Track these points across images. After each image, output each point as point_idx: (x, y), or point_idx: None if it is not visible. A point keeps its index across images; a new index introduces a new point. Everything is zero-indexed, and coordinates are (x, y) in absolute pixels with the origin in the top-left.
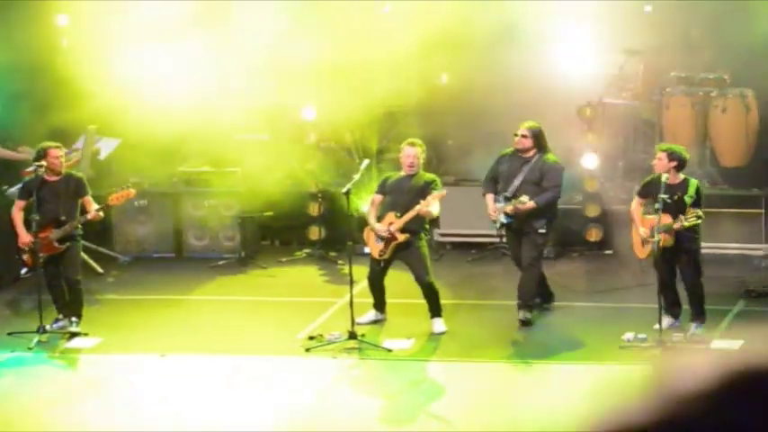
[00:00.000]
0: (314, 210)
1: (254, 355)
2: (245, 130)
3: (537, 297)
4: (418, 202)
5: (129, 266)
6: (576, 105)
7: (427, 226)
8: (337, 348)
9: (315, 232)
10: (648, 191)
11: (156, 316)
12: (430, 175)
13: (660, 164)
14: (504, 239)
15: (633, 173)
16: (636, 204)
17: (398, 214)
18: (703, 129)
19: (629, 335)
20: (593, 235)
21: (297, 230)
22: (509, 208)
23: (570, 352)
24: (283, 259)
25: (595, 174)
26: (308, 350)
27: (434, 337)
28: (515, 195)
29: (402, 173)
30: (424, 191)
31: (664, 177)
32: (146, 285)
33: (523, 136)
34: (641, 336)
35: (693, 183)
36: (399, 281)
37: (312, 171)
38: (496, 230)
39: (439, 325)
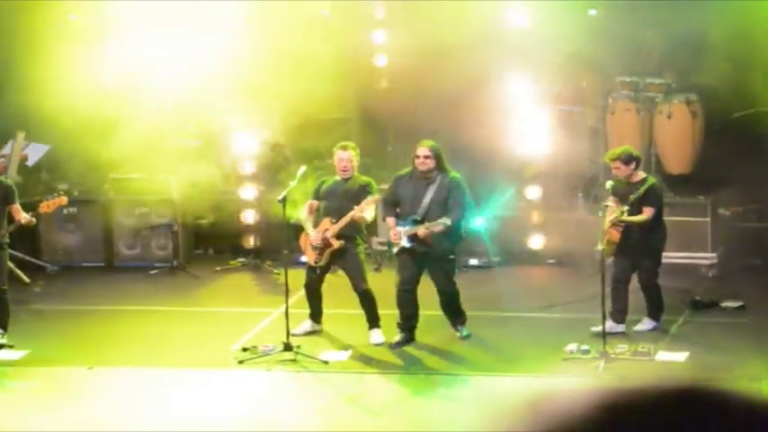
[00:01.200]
0: (249, 217)
1: (187, 368)
2: (177, 135)
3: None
4: (353, 207)
5: (56, 276)
6: (519, 111)
7: (364, 231)
8: (272, 360)
9: (250, 240)
10: (616, 192)
11: (85, 327)
12: (365, 179)
13: (620, 171)
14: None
15: (576, 179)
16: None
17: (333, 220)
18: (648, 135)
19: (572, 346)
20: (535, 243)
21: (231, 239)
22: (421, 231)
23: (511, 364)
24: (217, 268)
25: (537, 180)
26: (241, 362)
27: (372, 348)
28: (425, 218)
29: (337, 177)
30: (358, 195)
31: (608, 185)
32: (74, 296)
33: (426, 157)
34: (584, 348)
35: (649, 180)
36: (337, 290)
37: (248, 178)
38: (391, 253)
39: (376, 336)
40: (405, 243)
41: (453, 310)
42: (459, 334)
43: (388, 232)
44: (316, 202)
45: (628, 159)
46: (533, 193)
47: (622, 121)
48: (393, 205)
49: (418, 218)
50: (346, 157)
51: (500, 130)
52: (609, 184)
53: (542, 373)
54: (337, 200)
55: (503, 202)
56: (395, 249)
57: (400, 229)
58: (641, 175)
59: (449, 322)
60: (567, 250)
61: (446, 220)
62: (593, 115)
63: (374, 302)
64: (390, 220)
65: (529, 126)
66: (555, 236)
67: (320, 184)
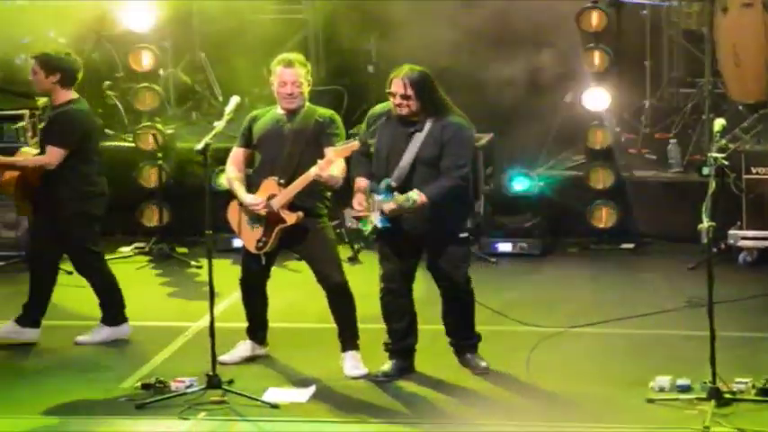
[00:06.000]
0: (150, 179)
1: (52, 417)
2: (33, 46)
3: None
4: (310, 157)
5: None
6: (575, 8)
7: (329, 194)
8: (189, 403)
9: (152, 215)
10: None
11: None
12: (324, 111)
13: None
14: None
15: (668, 117)
16: None
17: (282, 180)
18: None
19: (662, 380)
20: (603, 218)
21: (122, 212)
22: (388, 205)
23: (568, 408)
24: None
25: (607, 120)
26: (140, 407)
27: (348, 383)
28: (405, 185)
29: (277, 110)
30: (316, 137)
31: (717, 124)
32: None
33: (405, 97)
34: (682, 382)
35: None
36: (290, 290)
37: (147, 115)
38: (365, 235)
39: (353, 363)
40: (377, 221)
41: (463, 324)
42: (473, 365)
43: (354, 202)
44: (244, 151)
45: (49, 65)
46: (599, 137)
47: (740, 24)
48: (366, 157)
49: (393, 183)
50: (292, 76)
51: (547, 36)
52: (719, 122)
53: (617, 424)
54: (281, 146)
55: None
56: (367, 228)
57: (377, 198)
58: (71, 94)
59: (453, 345)
60: (655, 229)
61: (415, 195)
62: (691, 14)
63: (352, 306)
64: (360, 182)
65: (591, 30)
66: (634, 205)
67: (251, 121)
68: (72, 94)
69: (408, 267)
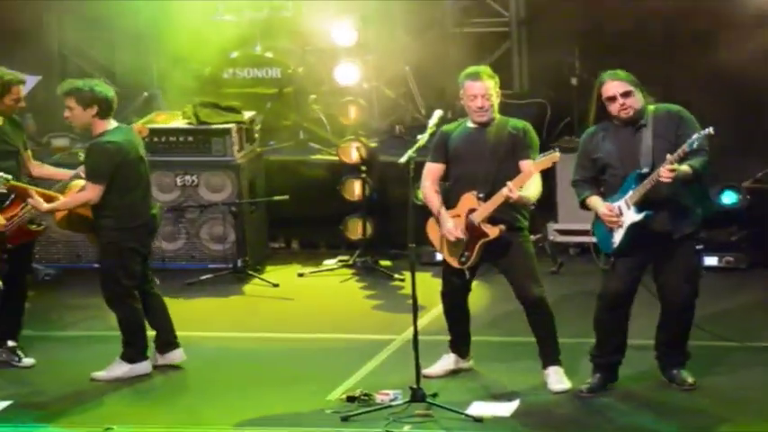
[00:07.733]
0: (353, 192)
1: (260, 428)
2: (241, 60)
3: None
4: (507, 169)
5: (51, 285)
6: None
7: (529, 210)
8: (394, 416)
9: (356, 228)
10: None
11: (94, 364)
12: (516, 122)
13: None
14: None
15: None
16: None
17: (482, 195)
18: None
19: None
20: None
21: (326, 226)
22: (663, 171)
23: None
24: (306, 271)
25: None
26: (345, 420)
27: (551, 397)
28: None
29: (468, 123)
30: (512, 149)
31: None
32: (77, 316)
33: (626, 94)
34: None
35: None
36: (490, 304)
37: (351, 128)
38: (606, 257)
39: (557, 378)
40: (635, 216)
41: (677, 341)
42: (680, 381)
43: (602, 215)
44: (439, 167)
45: (85, 99)
46: None
47: None
48: (591, 184)
49: (645, 170)
50: (482, 89)
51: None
52: None
53: None
54: (479, 160)
55: None
56: (615, 239)
57: (618, 203)
58: (108, 124)
59: (660, 360)
60: None
61: (703, 131)
62: None
63: (551, 321)
64: (596, 200)
65: None
66: None
67: (444, 136)
68: (107, 125)
69: (633, 286)
